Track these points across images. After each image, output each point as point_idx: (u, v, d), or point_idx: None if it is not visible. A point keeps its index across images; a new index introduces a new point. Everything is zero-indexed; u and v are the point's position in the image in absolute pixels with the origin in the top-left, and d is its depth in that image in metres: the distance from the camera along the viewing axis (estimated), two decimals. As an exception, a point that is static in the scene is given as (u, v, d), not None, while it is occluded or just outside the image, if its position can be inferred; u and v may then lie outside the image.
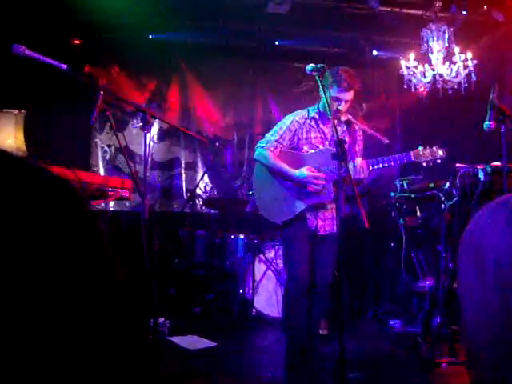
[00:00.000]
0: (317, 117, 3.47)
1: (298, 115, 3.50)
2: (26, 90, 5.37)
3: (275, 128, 3.52)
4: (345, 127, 3.52)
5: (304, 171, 3.33)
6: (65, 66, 2.69)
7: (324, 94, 3.04)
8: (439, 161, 3.33)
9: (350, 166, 3.16)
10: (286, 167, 3.39)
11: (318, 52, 6.33)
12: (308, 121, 3.47)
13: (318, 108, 3.49)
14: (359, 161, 3.26)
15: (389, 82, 7.09)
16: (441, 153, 3.33)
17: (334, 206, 3.44)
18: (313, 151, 3.44)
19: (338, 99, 3.31)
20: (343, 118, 3.49)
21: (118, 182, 3.23)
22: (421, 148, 3.31)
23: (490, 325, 0.80)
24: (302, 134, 3.45)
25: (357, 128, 3.57)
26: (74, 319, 0.53)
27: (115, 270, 0.58)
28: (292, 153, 3.47)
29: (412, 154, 3.29)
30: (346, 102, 3.34)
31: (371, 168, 3.27)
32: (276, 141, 3.44)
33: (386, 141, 3.56)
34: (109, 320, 0.56)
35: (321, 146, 3.44)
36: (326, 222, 3.45)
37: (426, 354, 3.72)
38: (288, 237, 3.47)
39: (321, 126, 3.48)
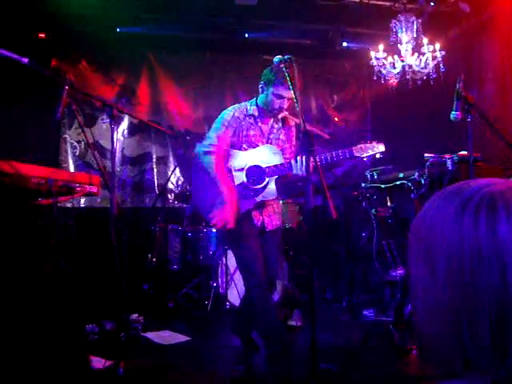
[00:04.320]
0: (256, 114, 3.36)
1: (238, 111, 3.36)
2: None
3: (217, 126, 3.34)
4: (281, 124, 3.44)
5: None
6: (26, 60, 2.62)
7: (266, 90, 2.95)
8: (379, 155, 3.25)
9: (292, 162, 3.16)
10: (221, 188, 3.17)
11: (289, 44, 6.33)
12: (247, 118, 3.36)
13: (257, 104, 3.38)
14: (298, 159, 3.10)
15: (359, 73, 7.13)
16: (381, 148, 3.25)
17: (276, 202, 3.44)
18: (246, 148, 3.35)
19: (280, 96, 3.19)
20: (280, 115, 3.40)
21: (86, 178, 3.16)
22: (362, 144, 3.23)
23: (443, 324, 0.75)
24: (242, 131, 3.34)
25: (292, 124, 3.50)
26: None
27: (41, 265, 0.56)
28: (232, 151, 3.35)
29: (354, 149, 3.21)
30: (289, 99, 3.20)
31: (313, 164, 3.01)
32: (222, 140, 3.30)
33: (327, 136, 3.54)
34: (28, 310, 0.55)
35: (260, 144, 3.35)
36: (271, 218, 3.41)
37: (398, 341, 3.78)
38: (236, 236, 3.29)
39: (259, 123, 3.38)
